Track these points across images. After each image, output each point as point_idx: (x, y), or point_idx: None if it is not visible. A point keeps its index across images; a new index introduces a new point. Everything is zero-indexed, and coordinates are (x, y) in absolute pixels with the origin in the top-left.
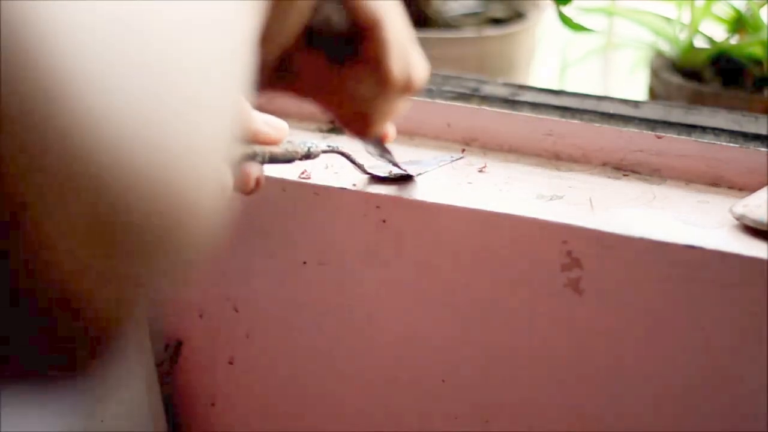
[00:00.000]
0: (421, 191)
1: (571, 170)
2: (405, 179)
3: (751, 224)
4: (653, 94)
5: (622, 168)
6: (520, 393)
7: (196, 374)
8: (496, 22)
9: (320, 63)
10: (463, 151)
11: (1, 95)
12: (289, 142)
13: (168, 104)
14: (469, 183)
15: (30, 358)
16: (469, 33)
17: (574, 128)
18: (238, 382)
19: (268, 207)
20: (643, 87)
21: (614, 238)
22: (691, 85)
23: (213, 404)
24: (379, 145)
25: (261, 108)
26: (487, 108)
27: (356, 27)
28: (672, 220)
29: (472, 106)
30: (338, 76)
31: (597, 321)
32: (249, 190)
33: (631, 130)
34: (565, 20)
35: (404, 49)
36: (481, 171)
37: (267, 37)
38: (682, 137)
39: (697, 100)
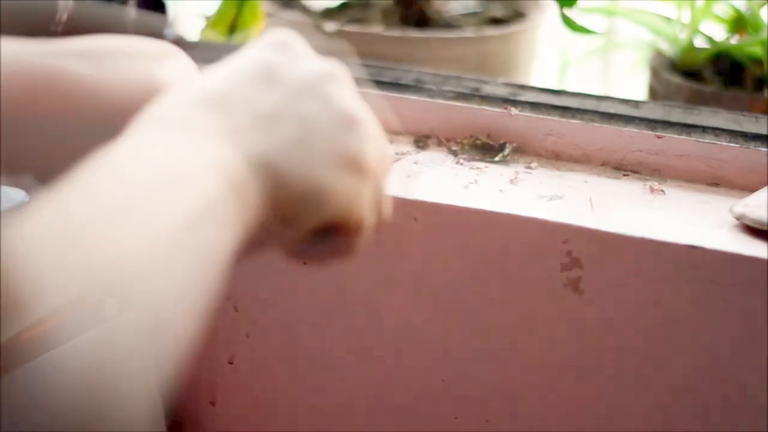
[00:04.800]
0: (422, 191)
1: (571, 170)
2: None
3: (751, 224)
4: (653, 94)
5: (622, 168)
6: (520, 393)
7: (196, 374)
8: (496, 22)
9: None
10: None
11: None
12: None
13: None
14: (470, 183)
15: None
16: (469, 33)
17: (574, 128)
18: (238, 382)
19: None
20: (643, 87)
21: (614, 238)
22: (691, 85)
23: (213, 404)
24: None
25: None
26: (487, 108)
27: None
28: (672, 220)
29: (472, 106)
30: (305, 251)
31: (597, 321)
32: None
33: (631, 130)
34: (569, 22)
35: (371, 226)
36: (481, 171)
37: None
38: (682, 137)
39: (697, 100)
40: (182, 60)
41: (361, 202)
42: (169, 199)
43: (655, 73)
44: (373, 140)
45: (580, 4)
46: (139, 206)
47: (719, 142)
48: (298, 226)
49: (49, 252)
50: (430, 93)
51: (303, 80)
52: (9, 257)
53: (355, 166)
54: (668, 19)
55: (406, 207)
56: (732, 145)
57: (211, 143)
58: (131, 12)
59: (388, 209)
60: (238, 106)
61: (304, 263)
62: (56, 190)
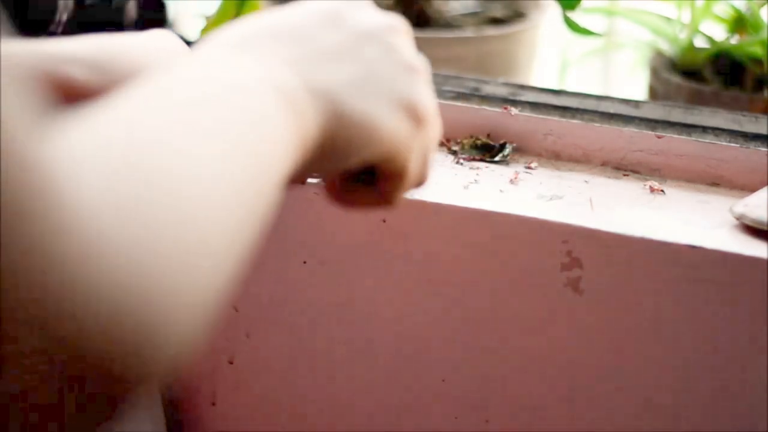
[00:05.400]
0: (421, 191)
1: (571, 170)
2: None
3: (751, 224)
4: (653, 94)
5: (622, 168)
6: (520, 393)
7: (196, 374)
8: (496, 22)
9: (338, 180)
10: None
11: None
12: None
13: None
14: (470, 183)
15: None
16: (469, 33)
17: (574, 128)
18: (238, 382)
19: None
20: (643, 87)
21: (614, 238)
22: (691, 85)
23: (213, 404)
24: None
25: None
26: (487, 108)
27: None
28: (672, 220)
29: (472, 106)
30: (349, 190)
31: (597, 321)
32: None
33: (631, 130)
34: (571, 24)
35: (413, 179)
36: (481, 171)
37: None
38: (682, 137)
39: (697, 100)
40: (181, 49)
41: (409, 150)
42: (223, 111)
43: (655, 73)
44: (428, 93)
45: (581, 4)
46: (195, 119)
47: (719, 142)
48: (346, 160)
49: (98, 169)
50: None
51: (367, 27)
52: (48, 178)
53: (411, 111)
54: (668, 19)
55: (406, 206)
56: (732, 145)
57: (271, 65)
58: (131, 12)
59: (430, 172)
60: (302, 39)
61: (344, 204)
62: (101, 104)
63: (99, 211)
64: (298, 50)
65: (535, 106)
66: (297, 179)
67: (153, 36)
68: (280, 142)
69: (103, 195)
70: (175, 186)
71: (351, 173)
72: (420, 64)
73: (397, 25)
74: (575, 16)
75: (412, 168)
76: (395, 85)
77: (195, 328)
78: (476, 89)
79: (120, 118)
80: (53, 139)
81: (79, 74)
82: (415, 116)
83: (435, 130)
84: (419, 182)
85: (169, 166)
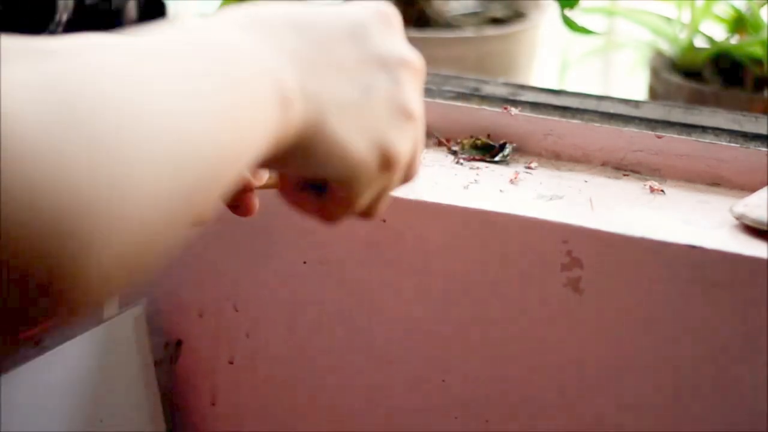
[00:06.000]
0: (421, 191)
1: (571, 170)
2: None
3: (751, 224)
4: (653, 94)
5: (622, 168)
6: (520, 393)
7: (196, 374)
8: (496, 22)
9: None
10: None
11: None
12: None
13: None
14: (470, 183)
15: None
16: (469, 33)
17: (574, 128)
18: (238, 382)
19: (268, 207)
20: (643, 87)
21: (614, 238)
22: (691, 85)
23: (213, 404)
24: None
25: None
26: (487, 108)
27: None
28: (672, 220)
29: (472, 106)
30: (298, 192)
31: (597, 321)
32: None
33: (631, 130)
34: (569, 23)
35: (359, 209)
36: (481, 171)
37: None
38: (682, 137)
39: (697, 100)
40: None
41: (367, 186)
42: (214, 82)
43: (655, 73)
44: (415, 143)
45: (580, 4)
46: (170, 70)
47: (719, 142)
48: (306, 169)
49: (37, 95)
50: (430, 93)
51: (385, 54)
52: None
53: (384, 155)
54: (668, 19)
55: (406, 206)
56: (732, 145)
57: (278, 54)
58: (131, 12)
59: (384, 207)
60: (318, 42)
61: (290, 203)
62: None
63: (33, 133)
64: (310, 51)
65: (535, 106)
66: (256, 167)
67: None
68: (258, 127)
69: (42, 126)
70: (122, 121)
71: (304, 179)
72: (418, 111)
73: (414, 62)
74: (574, 15)
75: (363, 200)
76: (383, 125)
77: (121, 258)
78: (476, 89)
79: (88, 52)
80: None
81: None
82: (386, 161)
83: (403, 175)
84: (366, 214)
85: (112, 121)
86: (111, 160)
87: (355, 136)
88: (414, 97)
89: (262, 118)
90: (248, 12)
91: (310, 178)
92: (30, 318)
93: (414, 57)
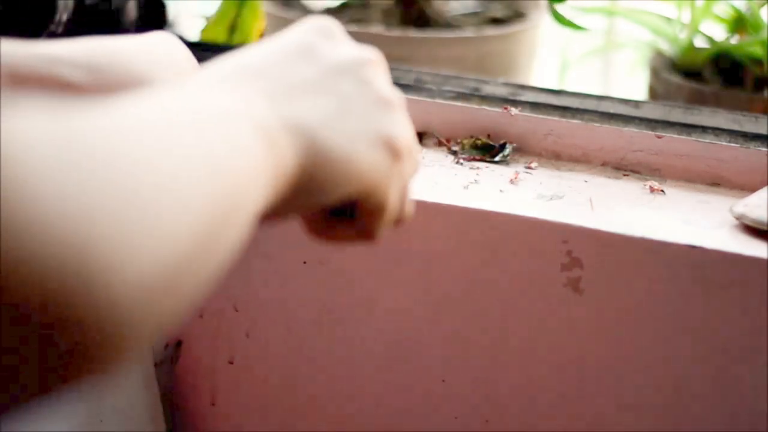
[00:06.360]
0: (422, 191)
1: (571, 170)
2: None
3: (751, 224)
4: (653, 94)
5: (622, 168)
6: (520, 393)
7: (196, 374)
8: (496, 22)
9: (318, 216)
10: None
11: None
12: None
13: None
14: (470, 183)
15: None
16: (469, 33)
17: (574, 128)
18: (238, 382)
19: None
20: (643, 87)
21: (614, 238)
22: (691, 85)
23: (213, 404)
24: None
25: None
26: (487, 108)
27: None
28: (672, 220)
29: (472, 106)
30: (329, 225)
31: (597, 321)
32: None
33: (631, 130)
34: (558, 18)
35: (393, 213)
36: (481, 171)
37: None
38: (682, 137)
39: (697, 100)
40: (180, 52)
41: (387, 185)
42: (197, 137)
43: (655, 73)
44: (405, 126)
45: (579, 3)
46: (165, 139)
47: (719, 142)
48: (325, 197)
49: (53, 156)
50: (430, 93)
51: (341, 61)
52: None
53: (387, 145)
54: (668, 19)
55: None
56: (732, 145)
57: (247, 100)
58: (131, 12)
59: (411, 207)
60: (276, 76)
61: (325, 239)
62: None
63: (44, 189)
64: (273, 86)
65: (535, 106)
66: (275, 216)
67: (152, 38)
68: (254, 175)
69: (54, 183)
70: (130, 194)
71: (331, 209)
72: (395, 97)
73: (372, 58)
74: (573, 14)
75: (392, 202)
76: (370, 119)
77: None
78: (476, 89)
79: (91, 123)
80: (15, 117)
81: (74, 76)
82: (391, 150)
83: (412, 161)
84: (400, 217)
85: (126, 174)
86: (127, 205)
87: (352, 142)
88: (385, 86)
89: (260, 169)
90: (214, 72)
91: (334, 204)
92: (69, 372)
93: (367, 53)
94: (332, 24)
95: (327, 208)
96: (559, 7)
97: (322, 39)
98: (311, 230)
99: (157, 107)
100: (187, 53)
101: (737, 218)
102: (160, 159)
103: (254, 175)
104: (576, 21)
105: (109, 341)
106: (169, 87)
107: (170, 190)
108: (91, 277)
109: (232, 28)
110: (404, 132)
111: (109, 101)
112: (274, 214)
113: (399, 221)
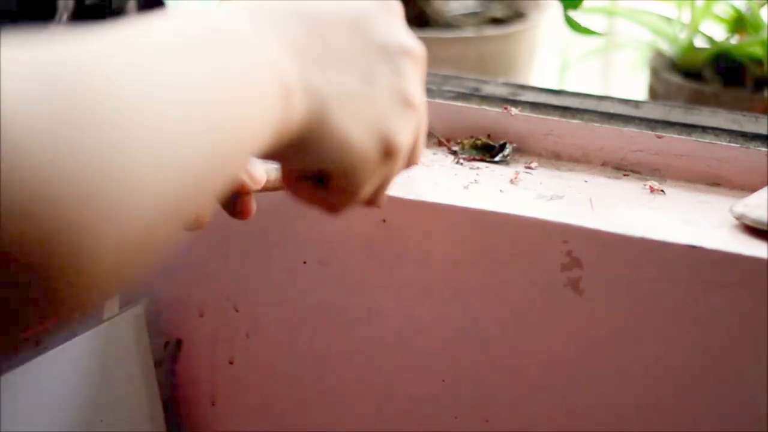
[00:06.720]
0: (422, 191)
1: (571, 170)
2: None
3: (751, 224)
4: (653, 94)
5: (622, 168)
6: (520, 393)
7: (196, 374)
8: (496, 22)
9: (305, 183)
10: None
11: None
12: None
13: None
14: (470, 183)
15: None
16: (469, 33)
17: (574, 128)
18: (238, 382)
19: (268, 207)
20: (643, 87)
21: (614, 238)
22: (691, 85)
23: (213, 404)
24: None
25: None
26: (487, 108)
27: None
28: (672, 220)
29: (472, 106)
30: (300, 183)
31: (597, 321)
32: (241, 218)
33: (631, 130)
34: (572, 23)
35: (361, 199)
36: (481, 171)
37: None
38: (682, 137)
39: (697, 100)
40: None
41: (368, 176)
42: (215, 73)
43: (655, 73)
44: (417, 132)
45: (582, 3)
46: (171, 59)
47: (719, 142)
48: (306, 159)
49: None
50: (430, 93)
51: (387, 43)
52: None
53: (385, 145)
54: (668, 19)
55: (406, 206)
56: (732, 145)
57: (276, 51)
58: (131, 12)
59: (385, 198)
60: (321, 34)
61: (294, 196)
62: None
63: (28, 117)
64: (312, 42)
65: (535, 106)
66: (264, 158)
67: None
68: (260, 128)
69: (35, 105)
70: (121, 108)
71: (306, 170)
72: (418, 101)
73: (416, 52)
74: (575, 15)
75: (364, 191)
76: (384, 115)
77: (122, 249)
78: (476, 89)
79: (87, 46)
80: None
81: None
82: (387, 149)
83: (402, 164)
84: (369, 203)
85: (115, 122)
86: (112, 152)
87: (356, 127)
88: (415, 86)
89: (263, 109)
90: (249, 3)
91: (313, 169)
92: (31, 317)
93: (415, 46)
94: (396, 3)
95: (304, 169)
96: (572, 13)
97: (381, 13)
98: (284, 180)
99: (167, 33)
100: None
101: (737, 218)
102: (157, 104)
103: (260, 129)
104: (589, 26)
105: (80, 288)
106: (193, 12)
107: (164, 143)
108: (71, 226)
109: None
110: (409, 138)
111: (115, 26)
112: (264, 156)
113: (370, 204)
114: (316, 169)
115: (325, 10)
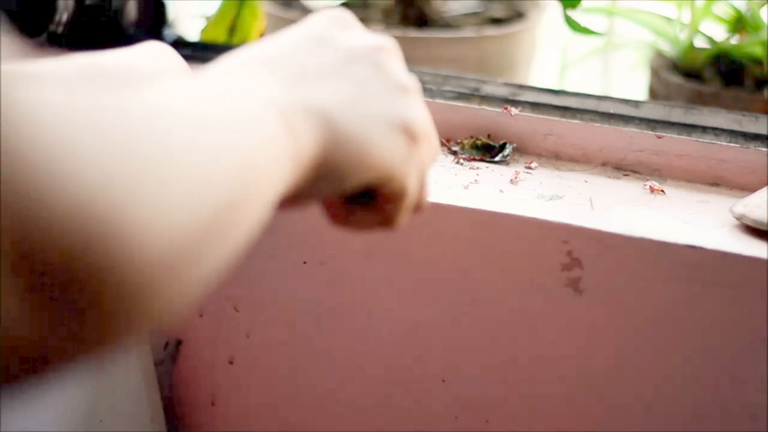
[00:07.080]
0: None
1: (571, 170)
2: None
3: (751, 224)
4: (653, 94)
5: (622, 168)
6: (520, 393)
7: (196, 374)
8: (496, 22)
9: (338, 203)
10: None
11: None
12: None
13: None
14: (470, 183)
15: None
16: (469, 33)
17: (574, 128)
18: (238, 382)
19: None
20: (643, 87)
21: (614, 238)
22: (691, 85)
23: (213, 404)
24: None
25: None
26: (487, 108)
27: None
28: (672, 220)
29: (472, 106)
30: (350, 212)
31: (597, 321)
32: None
33: (632, 130)
34: (572, 23)
35: (412, 199)
36: (481, 171)
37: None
38: (682, 137)
39: (697, 100)
40: (174, 60)
41: (406, 170)
42: (223, 133)
43: (655, 73)
44: (422, 111)
45: (581, 4)
46: (185, 125)
47: (719, 142)
48: (343, 182)
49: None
50: (430, 93)
51: (356, 47)
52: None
53: (404, 130)
54: (668, 19)
55: None
56: (732, 145)
57: (268, 87)
58: (131, 12)
59: (429, 194)
60: (292, 63)
61: (346, 226)
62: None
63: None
64: (289, 72)
65: (535, 106)
66: (294, 201)
67: (146, 49)
68: (272, 156)
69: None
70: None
71: (351, 195)
72: (411, 82)
73: (386, 44)
74: (575, 14)
75: (411, 188)
76: (387, 104)
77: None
78: (476, 89)
79: (117, 98)
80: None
81: None
82: (409, 134)
83: (430, 147)
84: (419, 203)
85: (155, 145)
86: (151, 178)
87: (370, 127)
88: (400, 71)
89: (280, 154)
90: (228, 64)
91: (353, 192)
92: (78, 339)
93: (382, 40)
94: (345, 14)
95: (346, 194)
96: (571, 13)
97: (337, 28)
98: (331, 216)
99: (174, 89)
100: (181, 62)
101: (737, 218)
102: (183, 133)
103: (272, 157)
104: (588, 26)
105: (125, 306)
106: (181, 80)
107: (193, 163)
108: (112, 238)
109: (232, 29)
110: (421, 116)
111: (135, 84)
112: (293, 199)
113: (418, 208)
114: (356, 190)
115: (288, 44)
